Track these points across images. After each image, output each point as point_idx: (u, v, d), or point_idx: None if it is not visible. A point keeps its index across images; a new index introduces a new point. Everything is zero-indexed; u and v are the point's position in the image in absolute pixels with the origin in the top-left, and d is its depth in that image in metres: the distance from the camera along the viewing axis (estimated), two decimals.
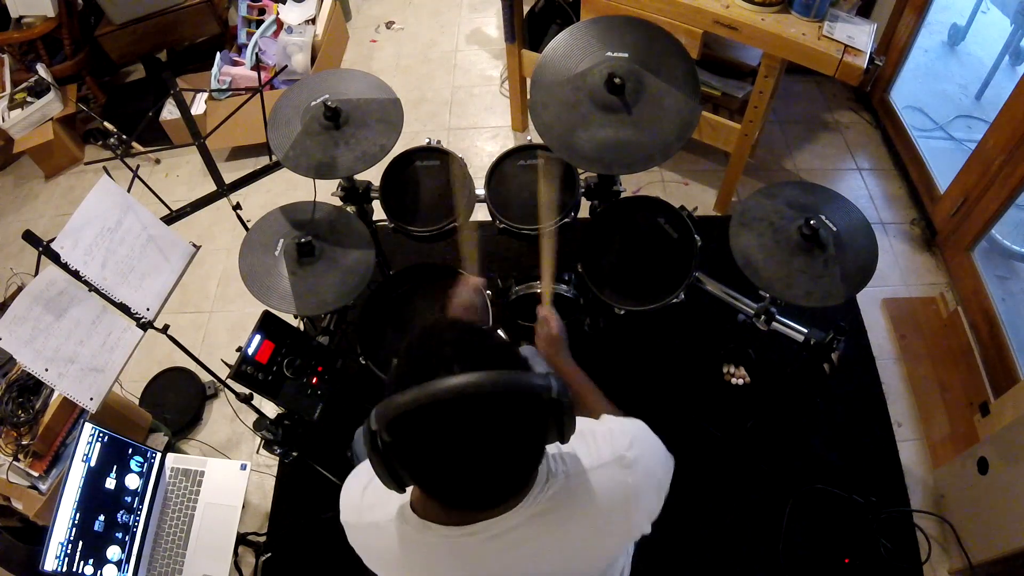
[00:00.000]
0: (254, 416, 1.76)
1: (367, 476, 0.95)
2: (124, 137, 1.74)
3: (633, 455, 0.88)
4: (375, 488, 0.92)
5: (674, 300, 1.73)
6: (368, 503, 0.93)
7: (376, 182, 1.90)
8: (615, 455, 0.87)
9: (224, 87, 2.98)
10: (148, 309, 1.60)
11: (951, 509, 1.88)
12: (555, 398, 0.71)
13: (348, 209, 1.89)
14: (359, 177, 1.84)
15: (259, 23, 3.10)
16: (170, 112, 2.96)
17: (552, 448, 0.86)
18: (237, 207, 1.84)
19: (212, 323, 2.53)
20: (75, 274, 1.47)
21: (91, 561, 1.50)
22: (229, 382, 1.65)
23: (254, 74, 2.97)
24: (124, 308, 1.57)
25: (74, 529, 1.48)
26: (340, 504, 0.98)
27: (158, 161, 3.10)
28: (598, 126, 1.53)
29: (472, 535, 0.82)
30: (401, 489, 0.76)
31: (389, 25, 3.55)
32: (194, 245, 1.74)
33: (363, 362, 1.76)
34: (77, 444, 1.55)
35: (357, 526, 0.95)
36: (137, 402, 2.27)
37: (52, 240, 1.43)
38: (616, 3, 2.06)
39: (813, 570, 1.86)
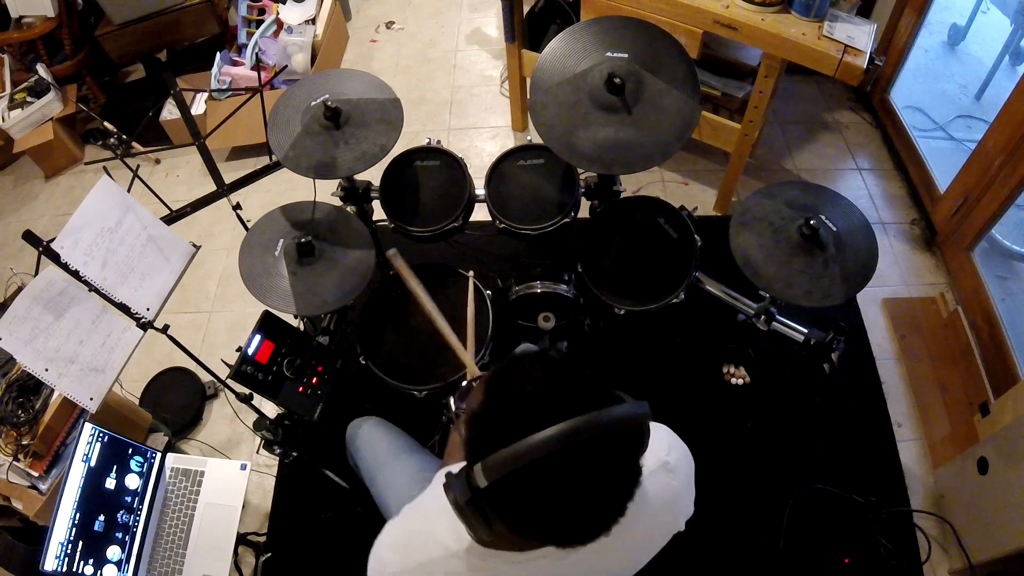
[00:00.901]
0: (254, 416, 1.76)
1: (395, 529, 0.93)
2: (124, 137, 1.74)
3: (674, 459, 0.93)
4: (408, 532, 0.91)
5: (674, 300, 1.73)
6: (406, 547, 0.90)
7: (376, 182, 1.90)
8: (660, 462, 0.91)
9: (224, 87, 2.98)
10: (148, 309, 1.60)
11: (951, 509, 1.88)
12: (644, 420, 0.72)
13: (348, 209, 1.89)
14: (359, 177, 1.84)
15: (259, 23, 3.10)
16: (170, 112, 2.96)
17: None
18: (237, 207, 1.84)
19: (212, 323, 2.53)
20: (75, 274, 1.47)
21: (91, 561, 1.49)
22: (229, 382, 1.65)
23: (254, 74, 2.97)
24: (124, 308, 1.57)
25: (74, 529, 1.48)
26: (372, 567, 0.91)
27: (158, 161, 3.10)
28: (598, 126, 1.53)
29: (544, 557, 0.82)
30: (490, 536, 0.73)
31: (389, 25, 3.55)
32: (194, 245, 1.74)
33: (363, 362, 1.76)
34: (77, 444, 1.55)
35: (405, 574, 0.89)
36: (137, 402, 2.27)
37: (52, 240, 1.43)
38: (616, 3, 2.06)
39: (813, 570, 1.86)
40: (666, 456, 0.92)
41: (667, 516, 0.92)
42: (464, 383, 1.14)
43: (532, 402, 0.70)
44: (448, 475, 0.71)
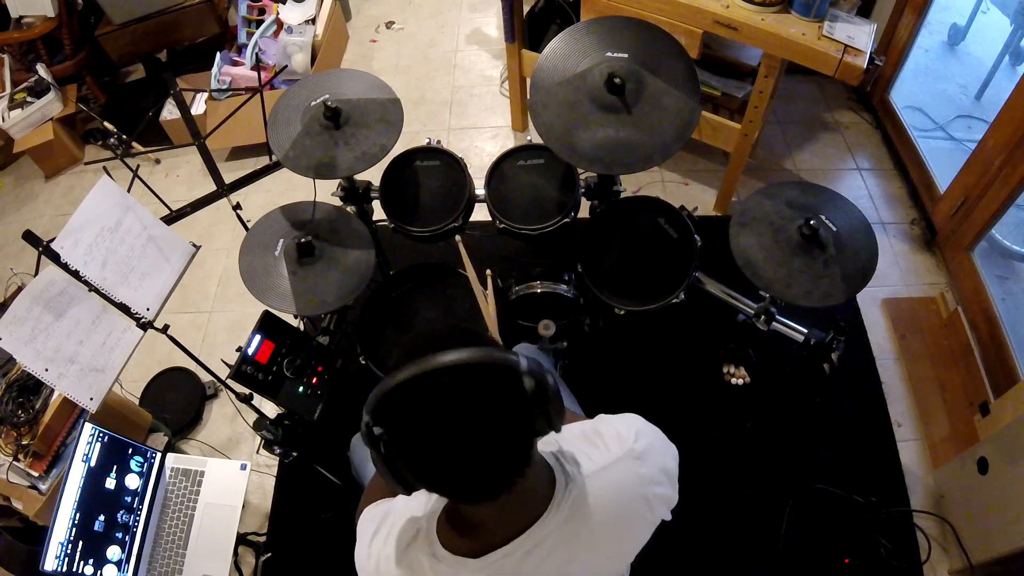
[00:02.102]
0: (254, 416, 1.76)
1: (370, 529, 0.94)
2: (124, 137, 1.74)
3: (641, 447, 0.91)
4: (385, 535, 0.91)
5: (674, 300, 1.73)
6: (380, 555, 0.91)
7: (376, 182, 1.90)
8: (624, 449, 0.91)
9: (224, 87, 2.98)
10: (148, 309, 1.60)
11: (951, 509, 1.88)
12: (530, 377, 0.72)
13: (348, 209, 1.89)
14: (359, 177, 1.84)
15: (259, 23, 3.10)
16: (170, 112, 2.96)
17: (566, 449, 0.90)
18: (237, 207, 1.84)
19: (212, 323, 2.53)
20: (75, 274, 1.47)
21: (91, 561, 1.50)
22: (229, 382, 1.65)
23: (254, 74, 2.97)
24: (124, 308, 1.57)
25: (74, 529, 1.48)
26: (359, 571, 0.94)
27: (158, 161, 3.10)
28: (598, 126, 1.53)
29: (508, 556, 0.83)
30: (407, 491, 0.77)
31: (389, 25, 3.55)
32: (194, 245, 1.74)
33: (363, 362, 1.76)
34: (77, 444, 1.55)
35: None
36: (137, 402, 2.27)
37: (52, 240, 1.43)
38: (616, 3, 2.06)
39: (813, 570, 1.86)
40: (633, 443, 0.92)
41: (638, 505, 0.90)
42: None
43: (416, 352, 0.74)
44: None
